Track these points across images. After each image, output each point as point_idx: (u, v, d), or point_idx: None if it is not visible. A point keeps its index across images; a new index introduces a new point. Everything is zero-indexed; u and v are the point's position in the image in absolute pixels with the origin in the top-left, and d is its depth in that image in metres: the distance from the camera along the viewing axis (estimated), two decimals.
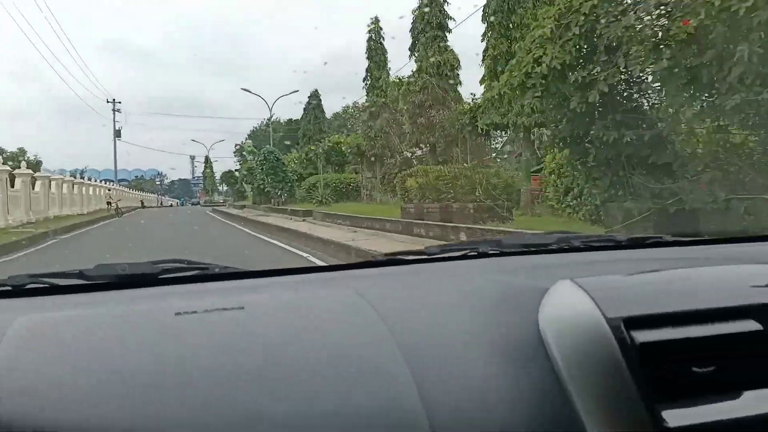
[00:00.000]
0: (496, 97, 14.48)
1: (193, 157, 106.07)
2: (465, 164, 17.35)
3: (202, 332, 0.84)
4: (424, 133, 21.03)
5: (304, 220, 21.24)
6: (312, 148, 33.72)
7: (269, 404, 0.71)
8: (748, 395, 0.78)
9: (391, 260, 1.21)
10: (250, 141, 68.58)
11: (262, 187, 32.28)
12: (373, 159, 27.38)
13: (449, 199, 16.07)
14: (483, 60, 15.26)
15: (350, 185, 30.48)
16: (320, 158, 31.74)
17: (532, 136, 15.05)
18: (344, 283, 1.05)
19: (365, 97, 27.23)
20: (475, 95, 17.22)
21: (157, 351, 0.80)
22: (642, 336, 0.77)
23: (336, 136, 33.54)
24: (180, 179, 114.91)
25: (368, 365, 0.78)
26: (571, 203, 9.88)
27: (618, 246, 1.34)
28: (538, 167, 14.96)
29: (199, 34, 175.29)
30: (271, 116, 42.98)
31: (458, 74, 21.19)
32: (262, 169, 31.06)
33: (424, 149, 21.28)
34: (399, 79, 22.72)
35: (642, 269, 0.95)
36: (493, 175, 15.08)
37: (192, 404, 0.70)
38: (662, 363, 0.77)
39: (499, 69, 14.62)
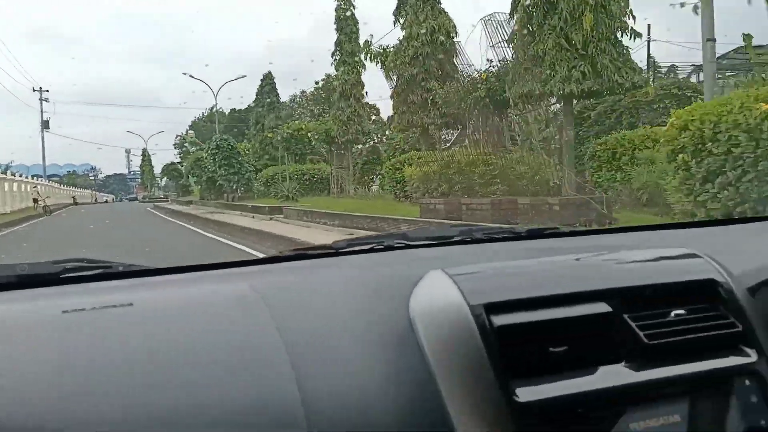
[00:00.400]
0: (538, 55, 11.22)
1: (128, 151, 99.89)
2: (478, 148, 14.06)
3: (87, 329, 0.84)
4: (416, 112, 17.58)
5: (272, 219, 17.62)
6: (270, 135, 29.86)
7: (147, 397, 0.72)
8: (597, 371, 0.85)
9: (297, 255, 1.23)
10: (192, 132, 63.87)
11: (213, 180, 28.18)
12: (344, 147, 23.88)
13: (467, 191, 12.80)
14: (511, 14, 11.97)
15: (314, 177, 26.94)
16: (280, 147, 28.01)
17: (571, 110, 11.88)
18: (242, 279, 1.03)
19: (335, 74, 23.59)
20: (492, 61, 13.87)
21: (39, 348, 0.80)
22: (500, 320, 0.83)
23: (297, 122, 29.76)
24: (116, 174, 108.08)
25: (250, 359, 0.79)
26: (718, 194, 6.60)
27: (518, 237, 1.37)
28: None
29: (135, 23, 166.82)
30: (216, 104, 38.77)
31: (455, 42, 17.78)
32: (213, 159, 26.85)
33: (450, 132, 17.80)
34: (383, 49, 19.14)
35: (532, 257, 1.05)
36: (532, 164, 11.85)
37: (70, 399, 0.72)
38: (519, 344, 0.83)
39: (534, 25, 11.34)
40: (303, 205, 17.84)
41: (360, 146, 24.73)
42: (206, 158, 28.27)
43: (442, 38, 17.42)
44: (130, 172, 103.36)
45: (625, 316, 0.90)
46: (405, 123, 18.03)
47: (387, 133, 24.07)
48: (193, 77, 41.16)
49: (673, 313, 0.93)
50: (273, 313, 0.86)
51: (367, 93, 23.73)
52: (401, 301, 0.91)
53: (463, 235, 1.32)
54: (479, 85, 13.75)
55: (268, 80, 35.72)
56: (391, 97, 18.61)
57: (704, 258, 1.02)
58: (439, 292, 0.89)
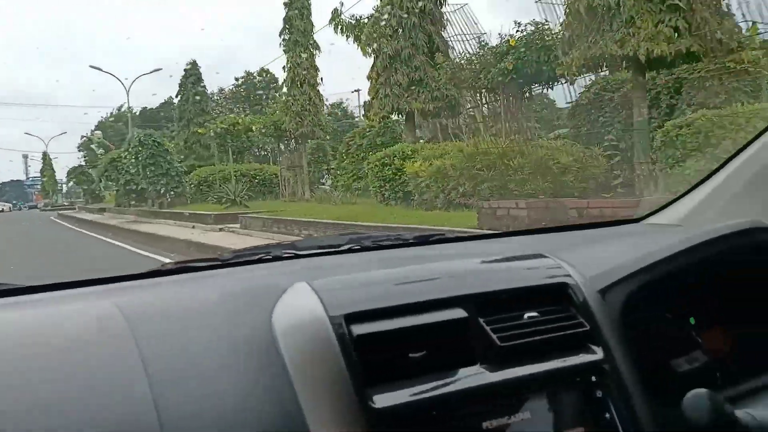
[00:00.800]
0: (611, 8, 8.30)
1: (26, 156, 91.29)
2: (499, 135, 11.05)
3: None
4: (402, 96, 14.35)
5: (222, 230, 13.98)
6: (200, 131, 25.83)
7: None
8: (454, 374, 0.88)
9: (179, 269, 1.17)
10: (99, 132, 57.84)
11: (133, 183, 23.82)
12: (297, 142, 20.37)
13: (498, 190, 9.76)
14: None
15: (256, 178, 23.25)
16: (213, 144, 24.15)
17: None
18: (110, 296, 0.97)
19: (286, 57, 20.02)
20: (521, 24, 10.87)
21: None
22: (359, 329, 0.85)
23: (232, 116, 25.83)
24: (12, 181, 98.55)
25: (106, 384, 0.77)
26: None
27: (406, 244, 1.37)
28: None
29: (30, 18, 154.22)
30: (128, 101, 34.16)
31: (444, 13, 14.67)
32: (135, 158, 22.40)
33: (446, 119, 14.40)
34: (357, 20, 15.70)
35: (417, 264, 1.08)
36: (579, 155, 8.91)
37: None
38: (379, 352, 0.85)
39: None
40: (271, 212, 14.20)
41: (315, 141, 21.21)
42: (126, 158, 23.77)
43: (430, 6, 14.29)
44: (28, 179, 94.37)
45: (481, 320, 0.94)
46: (388, 109, 14.73)
47: (360, 120, 20.44)
48: (101, 70, 36.77)
49: (526, 316, 0.96)
50: (135, 334, 0.83)
51: (322, 79, 20.32)
52: (268, 314, 0.91)
53: (352, 244, 1.33)
54: (506, 56, 10.73)
55: (192, 70, 31.49)
56: (369, 77, 15.28)
57: (559, 262, 1.09)
58: (301, 304, 0.91)
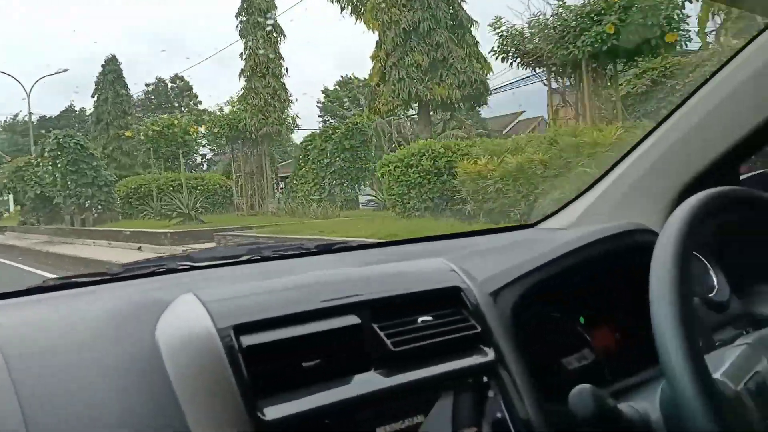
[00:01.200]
0: None
1: None
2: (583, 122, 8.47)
3: None
4: (420, 80, 11.50)
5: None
6: (128, 134, 21.91)
7: None
8: (348, 381, 0.87)
9: (63, 284, 1.10)
10: None
11: (47, 195, 19.47)
12: (259, 144, 17.07)
13: None
14: None
15: (196, 189, 19.60)
16: (143, 150, 20.35)
17: None
18: None
19: (243, 43, 16.69)
20: None
21: None
22: (248, 340, 0.83)
23: (165, 116, 21.92)
24: None
25: None
26: None
27: (308, 253, 1.36)
28: None
29: None
30: (29, 107, 29.27)
31: None
32: (54, 165, 18.08)
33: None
34: None
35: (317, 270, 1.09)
36: None
37: None
38: (271, 362, 0.83)
39: None
40: (271, 227, 10.93)
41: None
42: (40, 165, 19.36)
43: None
44: None
45: (375, 325, 0.93)
46: (404, 95, 11.79)
47: (363, 113, 17.29)
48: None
49: (420, 320, 0.97)
50: (7, 354, 0.79)
51: (287, 70, 17.14)
52: (153, 329, 0.87)
53: (251, 254, 1.30)
54: (605, 15, 8.13)
55: (112, 65, 27.13)
56: (374, 58, 12.32)
57: (453, 267, 1.09)
58: (187, 316, 0.87)
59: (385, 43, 11.99)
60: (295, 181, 17.66)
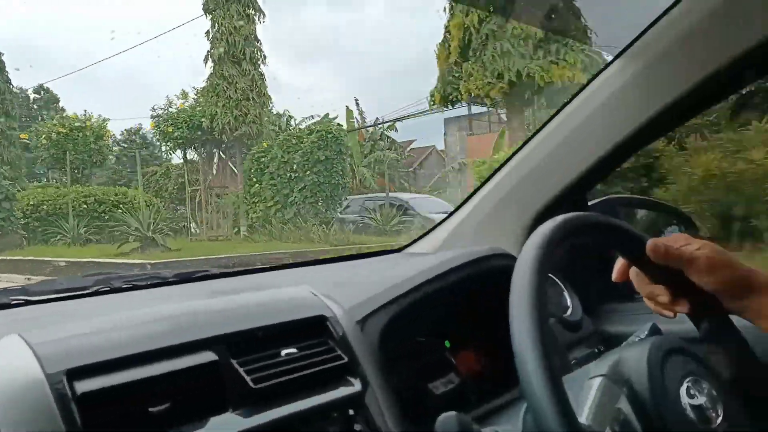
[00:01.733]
0: None
1: None
2: None
3: None
4: (529, 56, 8.68)
5: None
6: (23, 136, 17.17)
7: None
8: (203, 424, 0.81)
9: None
10: None
11: None
12: (233, 147, 13.32)
13: None
14: None
15: (117, 208, 15.31)
16: (43, 157, 15.70)
17: None
18: None
19: (210, 22, 12.90)
20: None
21: None
22: (84, 386, 0.75)
23: (74, 114, 17.28)
24: None
25: None
26: None
27: (165, 283, 1.28)
28: None
29: None
30: None
31: None
32: None
33: None
34: None
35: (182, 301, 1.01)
36: None
37: None
38: (111, 409, 0.76)
39: None
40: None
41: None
42: None
43: None
44: None
45: (234, 361, 0.87)
46: (512, 74, 8.74)
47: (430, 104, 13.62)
48: None
49: (284, 353, 0.92)
50: None
51: (266, 58, 13.59)
52: None
53: (99, 285, 1.20)
54: None
55: None
56: (450, 27, 9.23)
57: (317, 295, 1.06)
58: (12, 361, 0.77)
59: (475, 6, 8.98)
60: (248, 199, 14.17)
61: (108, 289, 1.21)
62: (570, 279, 1.47)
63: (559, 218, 0.84)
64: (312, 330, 0.98)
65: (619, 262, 0.95)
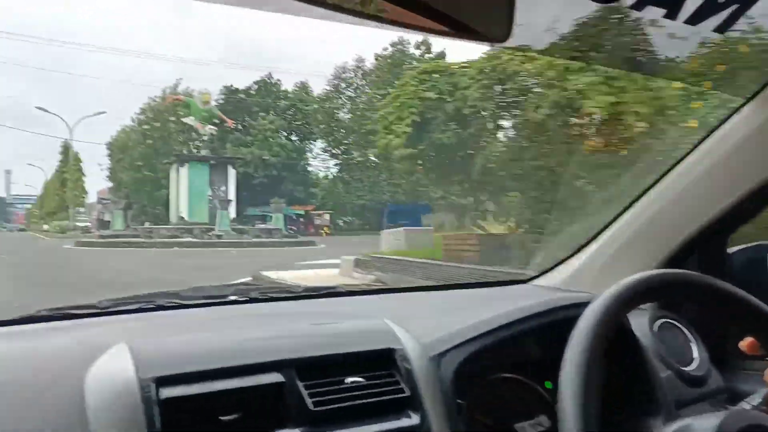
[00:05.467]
0: None
1: (8, 171, 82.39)
2: None
3: None
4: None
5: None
6: None
7: None
8: None
9: (59, 315, 1.14)
10: None
11: None
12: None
13: None
14: None
15: None
16: None
17: None
18: None
19: None
20: None
21: None
22: (167, 392, 0.85)
23: None
24: None
25: None
26: None
27: (295, 297, 1.39)
28: None
29: None
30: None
31: None
32: None
33: None
34: None
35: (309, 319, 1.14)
36: None
37: None
38: (189, 415, 0.85)
39: None
40: None
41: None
42: None
43: None
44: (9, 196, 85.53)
45: (300, 383, 0.95)
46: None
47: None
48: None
49: (348, 380, 0.98)
50: None
51: None
52: (82, 380, 0.89)
53: (238, 295, 1.33)
54: None
55: None
56: None
57: (391, 327, 1.10)
58: (115, 365, 0.89)
59: None
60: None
61: (246, 299, 1.33)
62: (702, 328, 1.38)
63: (625, 282, 0.83)
64: (379, 361, 1.03)
65: None
